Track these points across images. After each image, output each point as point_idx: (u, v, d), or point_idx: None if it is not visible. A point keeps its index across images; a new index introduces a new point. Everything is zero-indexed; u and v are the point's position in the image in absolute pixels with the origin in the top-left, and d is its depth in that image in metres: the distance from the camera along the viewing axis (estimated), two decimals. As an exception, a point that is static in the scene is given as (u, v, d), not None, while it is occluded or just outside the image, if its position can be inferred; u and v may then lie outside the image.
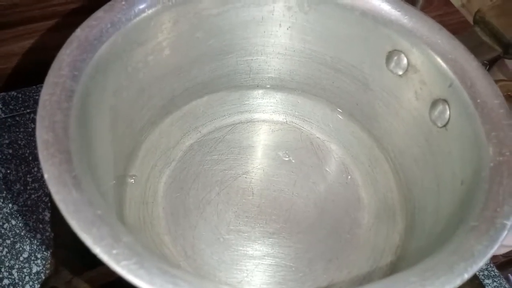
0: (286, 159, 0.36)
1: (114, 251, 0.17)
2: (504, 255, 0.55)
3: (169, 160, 0.34)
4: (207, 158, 0.35)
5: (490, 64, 0.54)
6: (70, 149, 0.21)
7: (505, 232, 0.20)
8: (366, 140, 0.36)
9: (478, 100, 0.27)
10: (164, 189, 0.32)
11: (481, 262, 0.19)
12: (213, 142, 0.36)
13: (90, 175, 0.21)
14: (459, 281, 0.18)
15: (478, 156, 0.25)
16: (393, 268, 0.30)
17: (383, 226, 0.33)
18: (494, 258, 0.53)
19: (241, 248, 0.31)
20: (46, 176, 0.19)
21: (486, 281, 0.35)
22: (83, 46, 0.25)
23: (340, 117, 0.38)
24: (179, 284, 0.16)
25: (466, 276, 0.19)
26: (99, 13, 0.26)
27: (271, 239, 0.32)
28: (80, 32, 0.25)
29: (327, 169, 0.36)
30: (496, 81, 0.28)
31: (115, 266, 0.17)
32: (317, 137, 0.37)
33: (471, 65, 0.28)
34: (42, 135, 0.20)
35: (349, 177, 0.35)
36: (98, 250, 0.17)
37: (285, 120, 0.38)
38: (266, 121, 0.38)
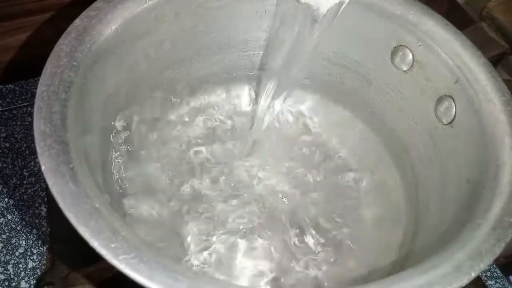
0: (288, 155, 0.35)
1: (113, 245, 0.16)
2: (505, 257, 0.55)
3: (169, 155, 0.33)
4: (207, 153, 0.34)
5: (494, 64, 0.53)
6: (67, 140, 0.20)
7: (512, 231, 0.20)
8: (371, 137, 0.36)
9: (485, 97, 0.26)
10: (164, 185, 0.32)
11: (488, 261, 0.19)
12: (213, 137, 0.35)
13: (88, 167, 0.20)
14: (466, 280, 0.18)
15: (484, 153, 0.25)
16: (397, 267, 0.30)
17: (387, 225, 0.32)
18: (496, 259, 0.53)
19: (239, 247, 0.30)
20: (43, 168, 0.18)
21: (489, 282, 0.35)
22: (82, 37, 0.24)
23: (344, 113, 0.37)
24: (179, 279, 0.16)
25: (473, 274, 0.18)
26: (99, 3, 0.26)
27: (271, 238, 0.31)
28: (79, 23, 0.25)
29: (330, 166, 0.35)
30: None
31: (114, 260, 0.16)
32: (320, 133, 0.37)
33: (478, 61, 0.27)
34: (39, 126, 0.20)
35: (353, 174, 0.35)
36: (96, 243, 0.16)
37: (287, 116, 0.37)
38: (267, 116, 0.37)
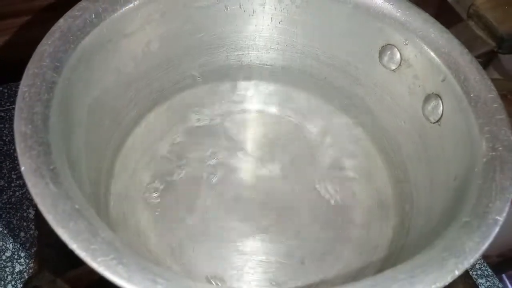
0: (278, 152, 0.35)
1: (92, 247, 0.16)
2: (498, 256, 0.55)
3: (156, 153, 0.33)
4: (196, 151, 0.34)
5: (485, 63, 0.53)
6: (49, 141, 0.20)
7: (497, 228, 0.20)
8: (360, 134, 0.36)
9: (472, 95, 0.26)
10: (151, 183, 0.32)
11: (473, 259, 0.19)
12: (202, 135, 0.35)
13: (70, 168, 0.20)
14: (449, 278, 0.18)
15: (471, 151, 0.25)
16: (388, 264, 0.30)
17: (376, 222, 0.32)
18: (488, 258, 0.53)
19: (230, 244, 0.30)
20: (22, 169, 0.18)
21: (480, 280, 0.35)
22: (65, 37, 0.24)
23: (334, 110, 0.37)
24: (158, 282, 0.16)
25: (457, 273, 0.18)
26: (83, 3, 0.26)
27: (262, 235, 0.31)
28: (63, 23, 0.24)
29: (320, 163, 0.35)
30: (492, 80, 0.27)
31: (92, 263, 0.16)
32: (311, 131, 0.36)
33: (465, 59, 0.27)
34: (20, 127, 0.20)
35: (343, 171, 0.35)
36: (74, 245, 0.16)
37: (277, 113, 0.37)
38: (258, 113, 0.37)
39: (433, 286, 0.18)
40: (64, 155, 0.21)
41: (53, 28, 0.24)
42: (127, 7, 0.27)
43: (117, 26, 0.27)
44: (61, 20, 0.25)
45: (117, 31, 0.27)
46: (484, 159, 0.23)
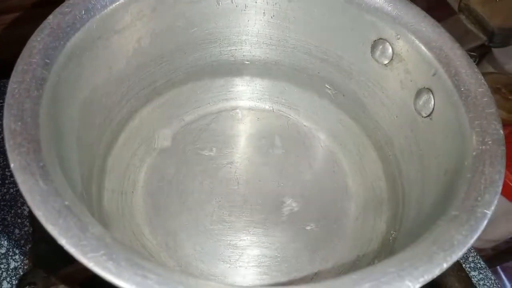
0: (272, 147, 0.35)
1: (81, 243, 0.16)
2: (492, 248, 0.55)
3: (150, 149, 0.33)
4: (190, 147, 0.34)
5: (479, 57, 0.54)
6: (39, 138, 0.20)
7: (486, 221, 0.20)
8: (354, 128, 0.36)
9: (462, 89, 0.26)
10: (145, 179, 0.32)
11: (461, 252, 0.19)
12: (197, 131, 0.35)
13: (60, 165, 0.20)
14: (437, 271, 0.18)
15: (461, 145, 0.25)
16: (381, 257, 0.30)
17: (370, 215, 0.33)
18: (482, 251, 0.53)
19: (224, 239, 0.30)
20: (12, 165, 0.18)
21: (472, 273, 0.35)
22: (55, 33, 0.24)
23: (328, 105, 0.37)
24: (148, 277, 0.16)
25: (445, 265, 0.18)
26: (73, -1, 0.25)
27: (256, 229, 0.31)
28: (52, 19, 0.24)
29: (314, 157, 0.35)
30: (486, 74, 0.27)
31: (82, 258, 0.16)
32: (304, 125, 0.37)
33: (456, 53, 0.27)
34: (9, 124, 0.20)
35: (337, 165, 0.35)
36: (64, 241, 0.16)
37: (271, 108, 0.37)
38: (252, 108, 0.37)
39: (421, 279, 0.18)
40: (55, 152, 0.21)
41: (43, 24, 0.24)
42: (117, 3, 0.27)
43: (107, 22, 0.27)
44: (50, 17, 0.25)
45: (107, 27, 0.27)
46: (474, 153, 0.23)
